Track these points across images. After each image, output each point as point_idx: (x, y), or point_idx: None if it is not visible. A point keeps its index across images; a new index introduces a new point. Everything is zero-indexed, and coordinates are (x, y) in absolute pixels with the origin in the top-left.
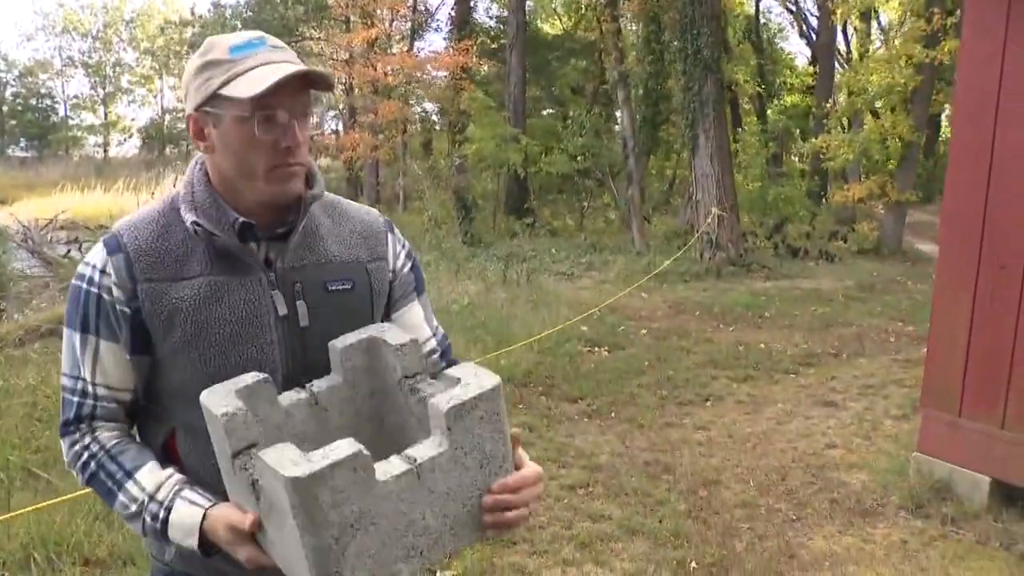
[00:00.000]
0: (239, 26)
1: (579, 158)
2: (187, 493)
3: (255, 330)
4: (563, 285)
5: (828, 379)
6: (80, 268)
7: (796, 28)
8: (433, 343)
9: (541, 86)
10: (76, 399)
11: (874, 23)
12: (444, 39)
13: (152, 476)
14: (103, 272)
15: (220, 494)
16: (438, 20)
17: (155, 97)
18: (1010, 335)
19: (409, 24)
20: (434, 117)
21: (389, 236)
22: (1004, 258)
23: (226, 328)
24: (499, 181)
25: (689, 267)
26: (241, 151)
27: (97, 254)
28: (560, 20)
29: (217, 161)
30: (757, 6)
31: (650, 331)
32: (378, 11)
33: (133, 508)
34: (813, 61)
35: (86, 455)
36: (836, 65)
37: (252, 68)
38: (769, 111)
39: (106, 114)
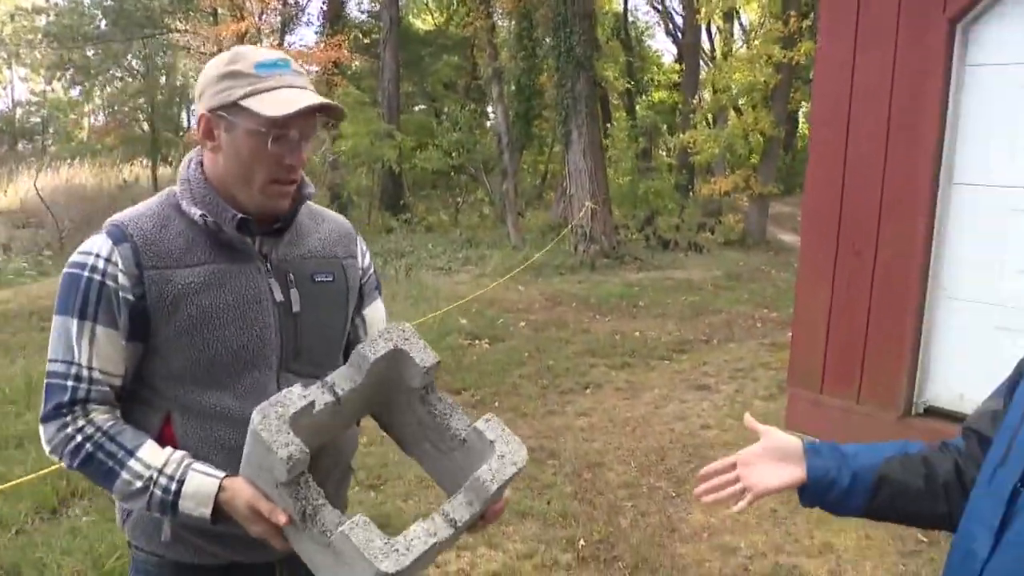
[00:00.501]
0: (98, 15)
1: (453, 154)
2: (199, 466)
3: (255, 314)
4: (441, 280)
5: (701, 364)
6: (78, 258)
7: (663, 27)
8: None
9: (414, 82)
10: (70, 383)
11: (736, 23)
12: (316, 34)
13: (156, 453)
14: (108, 260)
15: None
16: (309, 14)
17: (4, 89)
18: (864, 318)
19: (279, 18)
20: None
21: (357, 239)
22: (859, 246)
23: (230, 312)
24: (374, 177)
25: (564, 260)
26: (248, 160)
27: (101, 244)
28: (432, 16)
29: (219, 162)
30: (625, 5)
31: (529, 323)
32: (247, 4)
33: (139, 484)
34: (680, 59)
35: (80, 437)
36: (701, 63)
37: (275, 88)
38: (638, 107)
39: None
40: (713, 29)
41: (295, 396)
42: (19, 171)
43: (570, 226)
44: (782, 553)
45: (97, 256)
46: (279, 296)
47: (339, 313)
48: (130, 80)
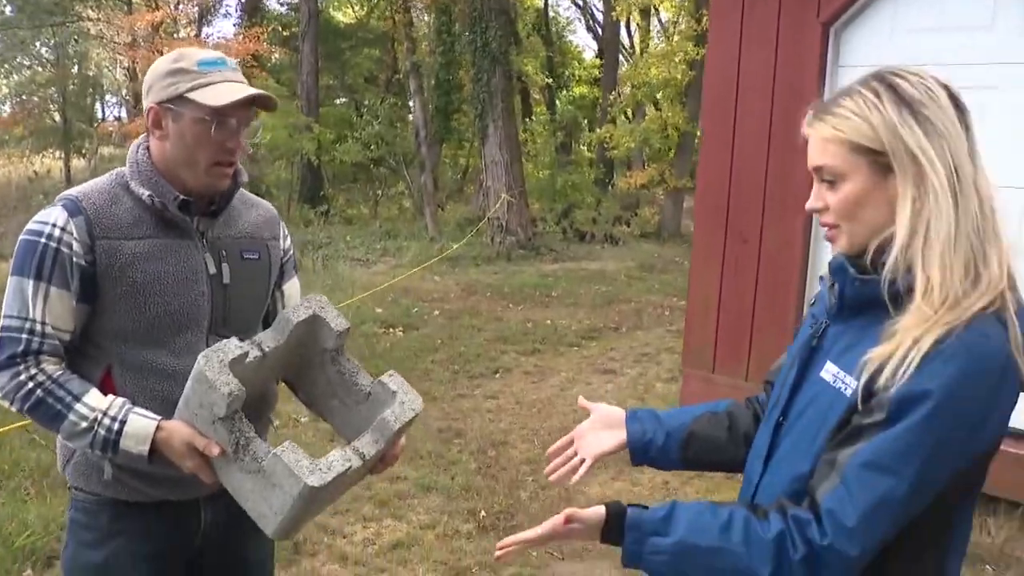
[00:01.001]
0: (3, 1)
1: (372, 147)
2: (139, 409)
3: (191, 284)
4: (358, 271)
5: (608, 350)
6: (35, 226)
7: (583, 22)
8: None
9: (334, 75)
10: (24, 336)
11: (655, 20)
12: (234, 25)
13: (100, 399)
14: (63, 229)
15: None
16: (228, 6)
17: None
18: (751, 302)
19: (197, 9)
20: None
21: (280, 223)
22: (746, 233)
23: (170, 280)
24: (293, 170)
25: (481, 251)
26: (193, 145)
27: (56, 214)
28: (353, 9)
29: (166, 148)
30: (546, 0)
31: (443, 312)
32: None
33: (84, 425)
34: (600, 54)
35: (31, 383)
36: (621, 59)
37: (217, 82)
38: (558, 102)
39: None
40: (633, 26)
41: (232, 346)
42: None
43: (487, 218)
44: None
45: (53, 225)
46: (212, 269)
47: (262, 286)
48: (40, 69)
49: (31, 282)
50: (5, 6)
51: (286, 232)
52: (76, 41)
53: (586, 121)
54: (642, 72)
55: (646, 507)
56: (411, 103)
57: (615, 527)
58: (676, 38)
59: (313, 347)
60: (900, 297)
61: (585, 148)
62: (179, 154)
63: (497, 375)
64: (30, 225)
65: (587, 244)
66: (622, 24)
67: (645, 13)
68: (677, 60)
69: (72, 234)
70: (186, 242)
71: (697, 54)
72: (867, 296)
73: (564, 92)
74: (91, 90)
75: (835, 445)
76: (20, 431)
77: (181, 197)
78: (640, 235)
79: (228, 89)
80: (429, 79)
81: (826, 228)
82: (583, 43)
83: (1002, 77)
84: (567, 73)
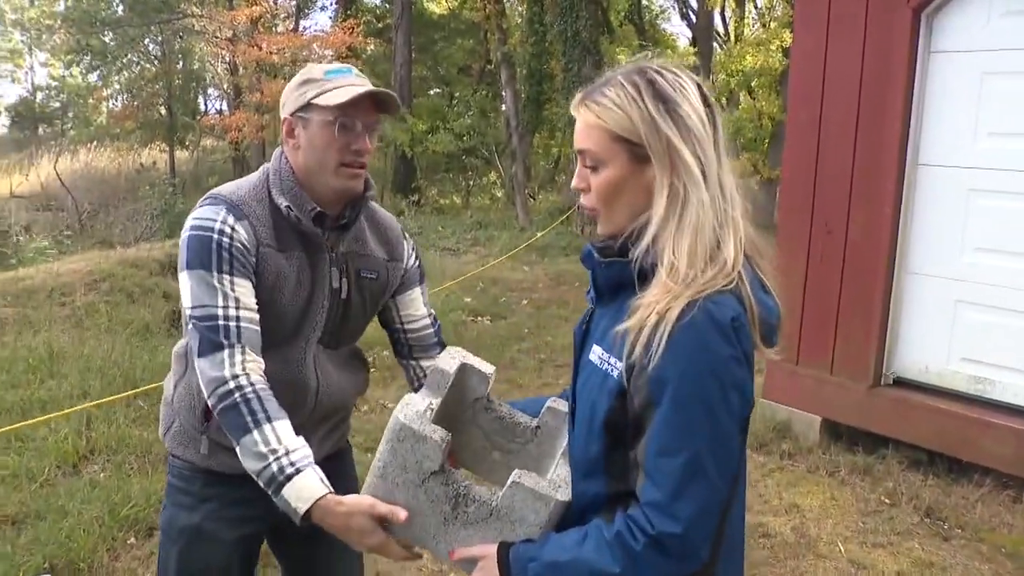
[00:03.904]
0: (115, 1)
1: (464, 137)
2: (317, 468)
3: (318, 297)
4: (448, 260)
5: None
6: (203, 223)
7: (677, 10)
8: (427, 321)
9: (428, 66)
10: (221, 322)
11: (750, 7)
12: (330, 18)
13: (290, 433)
14: (233, 229)
15: None
16: None
17: (25, 73)
18: (836, 293)
19: (294, 3)
20: None
21: (404, 242)
22: (831, 224)
23: (305, 294)
24: (386, 160)
25: (571, 241)
26: (321, 148)
27: (224, 215)
28: (447, 0)
29: (301, 157)
30: None
31: (531, 301)
32: None
33: (263, 450)
34: (693, 42)
35: (233, 384)
36: (715, 46)
37: (340, 87)
38: None
39: None
40: (727, 12)
41: (416, 399)
42: (39, 155)
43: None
44: (750, 512)
45: (223, 223)
46: (335, 283)
47: (374, 306)
48: (147, 65)
49: (214, 274)
50: (117, 5)
51: (412, 246)
52: (181, 37)
53: None
54: (736, 60)
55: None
56: (503, 93)
57: (503, 562)
58: (772, 25)
59: (463, 400)
60: (647, 276)
61: None
62: (311, 160)
63: None
64: (196, 222)
65: None
66: (716, 11)
67: (740, 1)
68: (772, 48)
69: (241, 234)
70: (318, 255)
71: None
72: (615, 278)
73: None
74: (194, 84)
75: (631, 443)
76: (126, 409)
77: (316, 209)
78: None
79: (349, 90)
80: (521, 69)
81: (586, 210)
82: (677, 31)
83: None
84: None
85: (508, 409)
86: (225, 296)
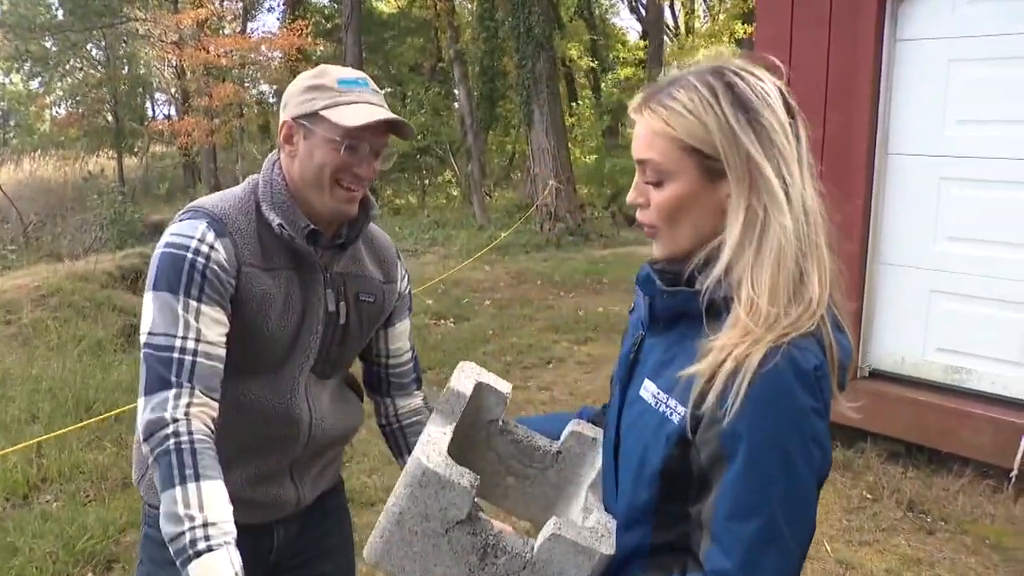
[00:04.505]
0: (55, 4)
1: (419, 136)
2: (233, 551)
3: (309, 322)
4: (408, 261)
5: None
6: (179, 239)
7: (626, 3)
8: (410, 356)
9: (379, 65)
10: (175, 355)
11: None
12: (278, 19)
13: (216, 501)
14: (212, 247)
15: (238, 446)
16: (270, 0)
17: None
18: None
19: (241, 5)
20: (271, 99)
21: (399, 264)
22: None
23: (295, 318)
24: None
25: (530, 239)
26: (319, 164)
27: (203, 230)
28: None
29: (296, 167)
30: None
31: (494, 301)
32: None
33: (180, 510)
34: (644, 35)
35: (171, 429)
36: (666, 39)
37: (353, 103)
38: (604, 85)
39: None
40: (677, 5)
41: (437, 434)
42: None
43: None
44: None
45: (200, 241)
46: (331, 306)
47: (370, 331)
48: (91, 71)
49: (180, 298)
50: (56, 10)
51: (404, 271)
52: (125, 42)
53: None
54: (689, 53)
55: None
56: (456, 91)
57: None
58: (722, 17)
59: (476, 422)
60: (719, 310)
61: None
62: (307, 172)
63: (550, 365)
64: (171, 238)
65: (637, 229)
66: (666, 5)
67: None
68: (725, 39)
69: (220, 253)
70: (311, 275)
71: (745, 32)
72: (678, 308)
73: (609, 75)
74: (141, 89)
75: (695, 499)
76: (79, 432)
77: (310, 227)
78: None
79: (364, 111)
80: (473, 66)
81: (644, 227)
82: (627, 25)
83: None
84: (612, 56)
85: (525, 431)
86: (186, 326)
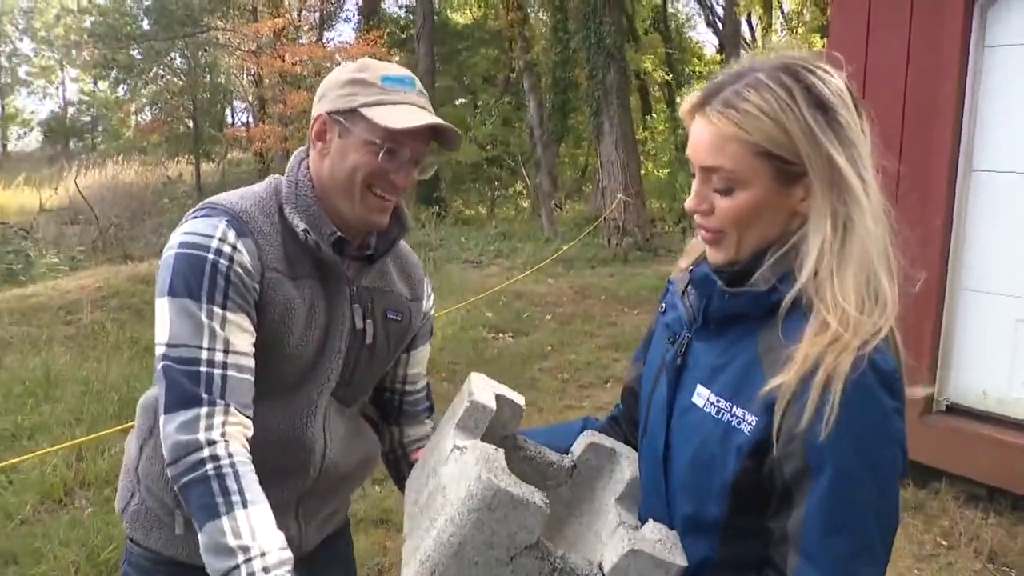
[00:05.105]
0: (140, 15)
1: (488, 147)
2: None
3: (333, 340)
4: (471, 273)
5: None
6: (196, 239)
7: (703, 17)
8: (425, 383)
9: (453, 76)
10: (203, 369)
11: (777, 12)
12: (353, 29)
13: (268, 528)
14: (235, 248)
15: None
16: (348, 10)
17: (56, 89)
18: None
19: (317, 14)
20: None
21: (425, 281)
22: None
23: (319, 333)
24: None
25: (597, 253)
26: (353, 166)
27: (223, 229)
28: (471, 9)
29: (327, 166)
30: None
31: (555, 316)
32: (286, 1)
33: (231, 542)
34: (721, 49)
35: (208, 453)
36: (742, 52)
37: (398, 103)
38: (678, 99)
39: (3, 107)
40: (754, 19)
41: (492, 451)
42: (70, 169)
43: (602, 218)
44: None
45: (222, 240)
46: (358, 324)
47: (396, 352)
48: (173, 78)
49: (203, 305)
50: (142, 20)
51: (430, 291)
52: (206, 51)
53: None
54: None
55: None
56: (527, 102)
57: None
58: (800, 30)
59: (491, 437)
60: (793, 313)
61: None
62: (338, 173)
63: (608, 384)
64: (187, 237)
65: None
66: (743, 18)
67: (767, 6)
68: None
69: (243, 255)
70: (336, 288)
71: (823, 46)
72: (738, 310)
73: (684, 89)
74: (220, 97)
75: (775, 513)
76: (118, 436)
77: (337, 234)
78: None
79: (409, 113)
80: (546, 78)
81: (705, 232)
82: (703, 39)
83: None
84: (687, 70)
85: (535, 447)
86: (212, 335)
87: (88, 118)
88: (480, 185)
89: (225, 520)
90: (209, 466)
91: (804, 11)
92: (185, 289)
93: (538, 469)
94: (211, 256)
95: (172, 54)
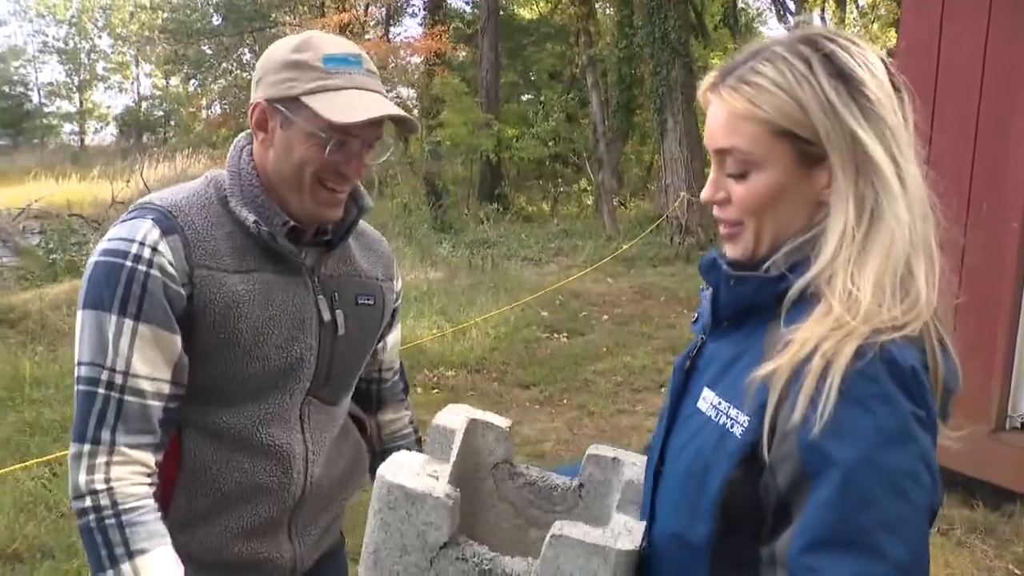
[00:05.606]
0: (210, 11)
1: (550, 143)
2: None
3: (300, 334)
4: (529, 271)
5: None
6: (116, 245)
7: (775, 12)
8: (398, 366)
9: (518, 71)
10: (101, 391)
11: (851, 7)
12: (419, 24)
13: (161, 572)
14: (154, 250)
15: (220, 492)
16: (414, 5)
17: (131, 84)
18: (950, 322)
19: (384, 10)
20: (409, 103)
21: (393, 261)
22: (944, 243)
23: (276, 328)
24: (472, 167)
25: (659, 252)
26: (298, 160)
27: (145, 230)
28: (537, 4)
29: (271, 158)
30: None
31: (612, 316)
32: None
33: None
34: None
35: (89, 502)
36: None
37: (343, 88)
38: None
39: (82, 101)
40: (827, 13)
41: (412, 457)
42: (142, 163)
43: (664, 216)
44: None
45: (141, 244)
46: (326, 316)
47: (372, 339)
48: (242, 73)
49: (112, 316)
50: (212, 16)
51: (398, 272)
52: None
53: None
54: None
55: None
56: (590, 98)
57: None
58: (875, 25)
59: (479, 468)
60: (800, 301)
61: None
62: (282, 167)
63: (662, 389)
64: (108, 243)
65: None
66: (815, 12)
67: (841, 1)
68: (877, 48)
69: (165, 255)
70: (294, 280)
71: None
72: (746, 300)
73: None
74: None
75: (769, 536)
76: None
77: (290, 223)
78: None
79: (357, 100)
80: (611, 74)
81: (723, 225)
82: (774, 34)
83: None
84: None
85: (539, 472)
86: (116, 354)
87: (161, 112)
88: (543, 182)
89: (110, 573)
90: (91, 516)
91: (879, 4)
92: (96, 300)
93: (543, 495)
94: (128, 264)
95: (241, 49)
